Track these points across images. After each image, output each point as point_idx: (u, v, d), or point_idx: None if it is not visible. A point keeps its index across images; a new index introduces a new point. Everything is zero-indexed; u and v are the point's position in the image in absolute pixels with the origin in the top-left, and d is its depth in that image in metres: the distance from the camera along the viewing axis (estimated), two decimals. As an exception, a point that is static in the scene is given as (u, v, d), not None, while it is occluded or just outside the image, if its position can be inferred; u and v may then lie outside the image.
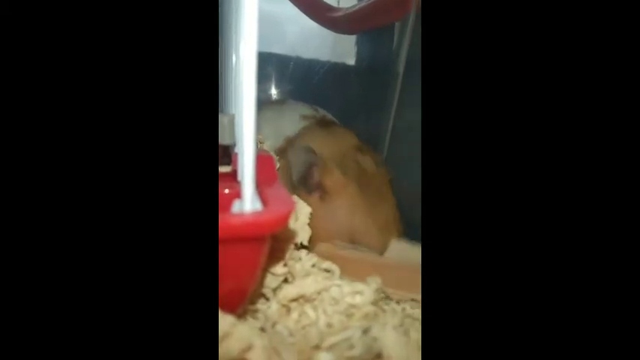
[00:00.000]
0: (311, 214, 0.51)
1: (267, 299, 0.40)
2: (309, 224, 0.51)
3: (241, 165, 0.31)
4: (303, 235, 0.51)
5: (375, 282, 0.43)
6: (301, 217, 0.50)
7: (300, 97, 0.86)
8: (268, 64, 0.98)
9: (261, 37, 0.29)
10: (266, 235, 0.31)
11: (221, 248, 0.26)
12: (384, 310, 0.42)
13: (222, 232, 0.27)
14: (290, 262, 0.43)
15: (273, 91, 0.98)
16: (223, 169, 0.45)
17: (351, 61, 1.14)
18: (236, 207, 0.32)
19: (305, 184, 0.58)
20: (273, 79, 0.99)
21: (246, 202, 0.31)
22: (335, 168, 0.58)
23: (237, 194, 0.34)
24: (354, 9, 0.75)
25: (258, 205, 0.31)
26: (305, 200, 0.57)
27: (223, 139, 0.43)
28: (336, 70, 1.03)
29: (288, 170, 0.60)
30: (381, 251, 0.55)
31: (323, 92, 0.92)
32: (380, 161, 0.64)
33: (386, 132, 0.73)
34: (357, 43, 1.00)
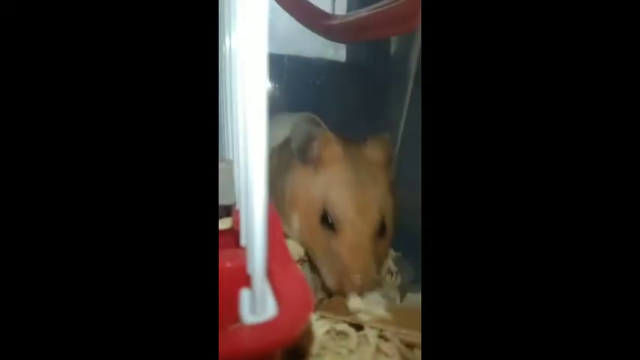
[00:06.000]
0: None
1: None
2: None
3: (251, 257, 0.26)
4: (297, 250, 0.48)
5: None
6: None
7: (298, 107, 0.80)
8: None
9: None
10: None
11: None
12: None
13: (230, 346, 0.23)
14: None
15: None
16: (221, 223, 0.40)
17: (343, 58, 1.07)
18: (244, 305, 0.27)
19: (302, 156, 0.53)
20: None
21: (257, 305, 0.26)
22: (337, 142, 0.52)
23: (242, 272, 0.29)
24: (352, 18, 0.68)
25: (270, 303, 0.27)
26: (298, 171, 0.53)
27: (224, 198, 0.38)
28: (331, 71, 0.97)
29: (288, 140, 0.54)
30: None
31: (321, 102, 0.85)
32: (391, 156, 0.56)
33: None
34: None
